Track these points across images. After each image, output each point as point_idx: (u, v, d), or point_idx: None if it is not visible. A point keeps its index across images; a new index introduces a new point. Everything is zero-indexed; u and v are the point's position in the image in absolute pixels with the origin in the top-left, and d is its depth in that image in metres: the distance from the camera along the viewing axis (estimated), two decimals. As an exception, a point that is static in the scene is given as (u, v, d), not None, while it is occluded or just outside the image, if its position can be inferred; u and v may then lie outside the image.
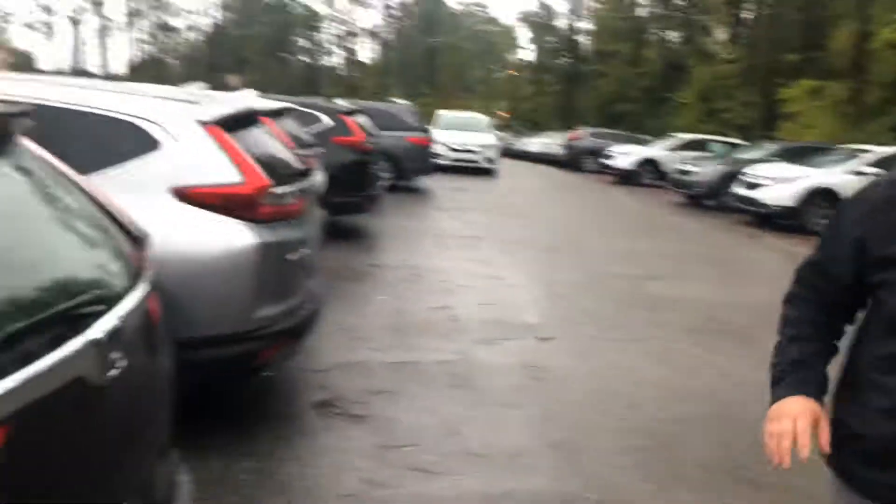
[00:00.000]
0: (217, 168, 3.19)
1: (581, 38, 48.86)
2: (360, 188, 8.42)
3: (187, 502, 1.90)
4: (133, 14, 57.84)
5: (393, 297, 6.44)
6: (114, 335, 1.32)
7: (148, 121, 3.16)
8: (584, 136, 26.82)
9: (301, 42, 60.71)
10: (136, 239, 1.78)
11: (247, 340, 3.24)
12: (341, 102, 10.37)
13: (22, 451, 1.04)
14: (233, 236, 3.18)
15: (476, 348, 5.18)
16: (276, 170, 3.57)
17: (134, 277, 1.59)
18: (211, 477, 3.06)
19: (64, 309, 1.24)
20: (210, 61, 54.98)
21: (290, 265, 3.46)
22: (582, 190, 20.22)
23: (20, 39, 59.25)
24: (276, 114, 5.13)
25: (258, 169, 3.29)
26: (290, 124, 5.93)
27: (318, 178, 5.15)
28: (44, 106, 3.06)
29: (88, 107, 3.14)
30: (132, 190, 3.00)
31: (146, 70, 55.03)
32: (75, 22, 54.38)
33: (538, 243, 10.06)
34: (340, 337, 5.10)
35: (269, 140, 3.94)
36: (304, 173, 4.03)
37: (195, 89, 3.77)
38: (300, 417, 3.83)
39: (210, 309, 3.13)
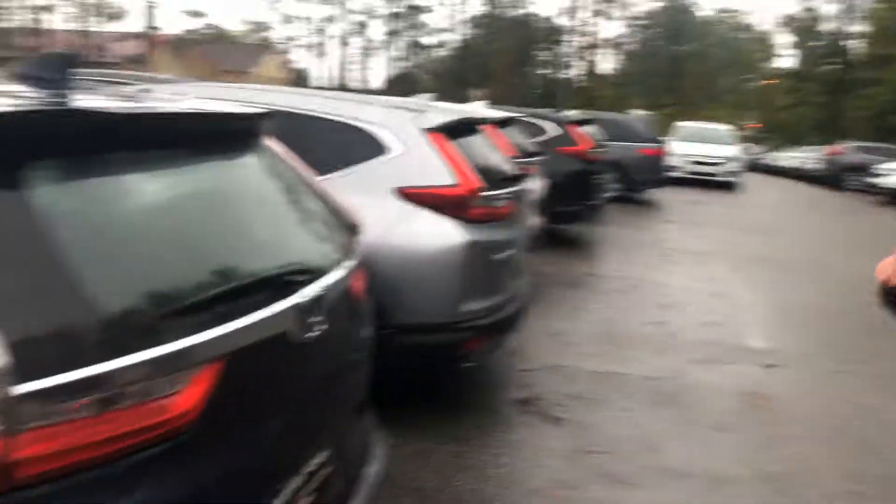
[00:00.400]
0: (435, 171, 3.47)
1: (852, 42, 43.80)
2: (583, 197, 8.44)
3: (381, 465, 2.13)
4: (391, 34, 63.15)
5: (607, 306, 6.38)
6: (315, 302, 1.56)
7: (378, 127, 3.54)
8: (846, 150, 23.99)
9: (542, 56, 61.76)
10: (349, 226, 2.05)
11: (451, 331, 3.48)
12: (571, 113, 10.46)
13: (230, 386, 1.29)
14: (445, 234, 3.43)
15: (690, 368, 4.96)
16: (490, 174, 3.77)
17: (341, 257, 1.85)
18: (413, 454, 3.34)
19: (275, 275, 1.51)
20: (457, 76, 58.16)
21: (496, 264, 3.64)
22: (838, 210, 18.13)
23: (298, 59, 67.72)
24: (500, 123, 5.37)
25: (471, 173, 3.52)
26: (514, 133, 6.15)
27: (534, 185, 5.29)
28: (290, 113, 3.58)
29: (327, 114, 3.60)
30: (361, 189, 3.39)
31: (399, 85, 59.66)
32: (344, 43, 60.80)
33: (776, 262, 9.27)
34: (549, 340, 5.19)
35: (486, 147, 4.17)
36: (518, 179, 4.19)
37: (423, 100, 4.14)
38: (500, 411, 3.99)
39: (420, 299, 3.41)
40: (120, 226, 1.31)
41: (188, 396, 1.21)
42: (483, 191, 3.53)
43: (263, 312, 1.40)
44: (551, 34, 60.22)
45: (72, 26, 53.08)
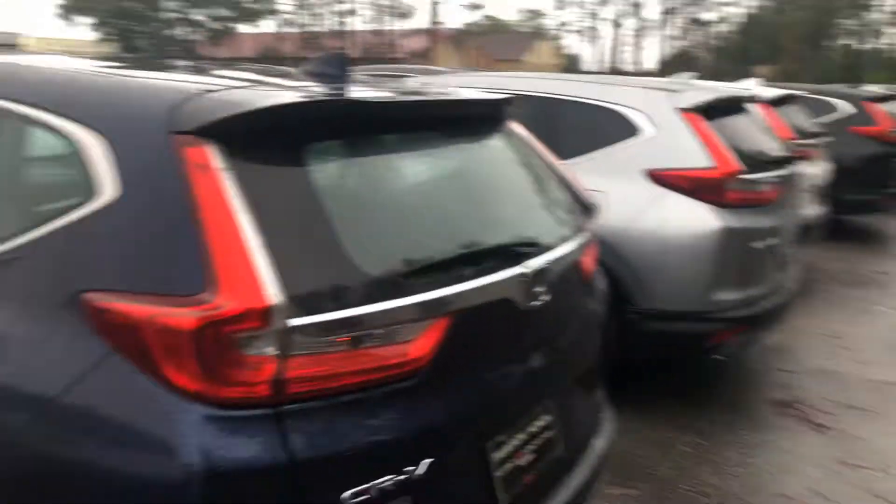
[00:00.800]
0: (689, 153, 3.35)
1: None
2: (879, 184, 7.38)
3: (608, 441, 2.17)
4: (667, 12, 60.27)
5: (897, 310, 5.58)
6: (540, 273, 1.66)
7: (630, 108, 3.50)
8: None
9: (846, 24, 54.46)
10: (584, 206, 2.11)
11: (699, 321, 3.34)
12: (872, 88, 9.14)
13: (456, 341, 1.45)
14: (698, 218, 3.30)
15: None
16: (754, 157, 3.53)
17: (572, 235, 1.92)
18: (652, 442, 3.30)
19: (506, 245, 1.64)
20: (741, 52, 53.82)
21: (755, 253, 3.41)
22: None
23: (570, 45, 67.86)
24: (773, 102, 4.94)
25: (730, 155, 3.33)
26: (792, 113, 5.61)
27: (814, 169, 4.79)
28: (544, 98, 3.69)
29: (579, 97, 3.63)
30: (611, 171, 3.41)
31: (675, 65, 56.85)
32: (616, 25, 59.50)
33: None
34: (821, 342, 4.71)
35: (751, 127, 3.89)
36: (789, 162, 3.85)
37: (683, 78, 3.96)
38: (753, 409, 3.74)
39: (668, 285, 3.33)
40: (379, 195, 1.54)
41: (421, 345, 1.39)
42: (742, 174, 3.32)
43: (491, 278, 1.53)
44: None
45: (367, 27, 59.05)
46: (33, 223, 1.47)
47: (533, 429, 1.77)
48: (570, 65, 61.01)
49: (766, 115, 4.50)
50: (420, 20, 59.74)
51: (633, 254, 3.35)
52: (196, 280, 1.23)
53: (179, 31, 67.93)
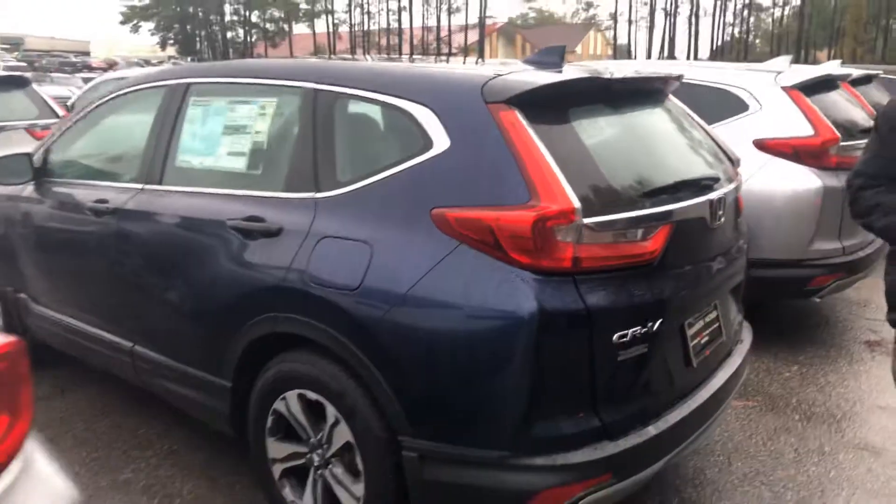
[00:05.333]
0: (793, 123, 3.94)
1: None
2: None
3: (749, 341, 2.80)
4: (722, -2, 59.47)
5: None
6: (719, 201, 2.32)
7: (741, 89, 4.11)
8: None
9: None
10: (731, 159, 2.76)
11: (800, 267, 3.94)
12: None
13: (674, 243, 2.12)
14: (800, 180, 3.89)
15: None
16: (846, 127, 4.09)
17: (729, 180, 2.57)
18: (758, 369, 3.92)
19: (696, 179, 2.31)
20: (799, 36, 52.87)
21: (850, 209, 3.98)
22: None
23: (621, 34, 67.55)
24: (858, 81, 5.44)
25: (828, 124, 3.91)
26: (874, 92, 6.08)
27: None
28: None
29: (697, 80, 4.25)
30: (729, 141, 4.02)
31: (729, 52, 56.07)
32: (668, 13, 59.02)
33: None
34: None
35: (844, 102, 4.45)
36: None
37: (781, 61, 4.52)
38: (846, 347, 4.31)
39: (772, 237, 3.93)
40: (618, 141, 2.25)
41: (655, 241, 2.07)
42: (840, 142, 3.90)
43: (693, 201, 2.21)
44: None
45: (419, 24, 59.79)
46: (382, 168, 2.19)
47: (708, 318, 2.44)
48: (622, 54, 60.70)
49: (849, 92, 5.03)
50: (470, 15, 60.25)
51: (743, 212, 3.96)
52: (522, 194, 1.93)
53: (237, 34, 69.72)
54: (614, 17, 63.62)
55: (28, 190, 3.43)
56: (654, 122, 2.52)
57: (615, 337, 1.98)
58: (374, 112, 2.37)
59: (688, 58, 53.80)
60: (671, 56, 55.68)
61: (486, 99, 2.07)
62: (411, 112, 2.18)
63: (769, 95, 4.05)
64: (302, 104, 2.46)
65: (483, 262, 1.95)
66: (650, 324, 2.05)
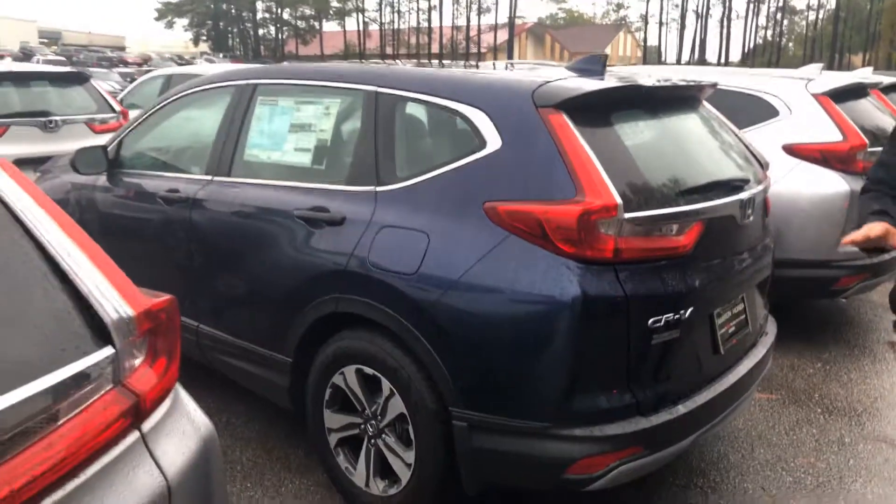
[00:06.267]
0: (822, 129, 4.10)
1: None
2: None
3: (774, 334, 2.98)
4: (755, 1, 58.93)
5: None
6: (749, 201, 2.51)
7: (773, 95, 4.27)
8: None
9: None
10: (760, 162, 2.94)
11: (827, 268, 4.08)
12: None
13: (705, 238, 2.31)
14: (828, 184, 4.04)
15: None
16: (875, 133, 4.23)
17: (758, 181, 2.75)
18: (782, 365, 4.08)
19: (727, 180, 2.50)
20: (833, 40, 52.18)
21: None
22: None
23: (652, 36, 67.08)
24: (889, 89, 5.56)
25: (857, 130, 4.06)
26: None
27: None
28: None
29: (729, 86, 4.41)
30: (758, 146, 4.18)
31: (761, 55, 55.47)
32: (699, 16, 58.59)
33: None
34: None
35: (873, 109, 4.58)
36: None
37: (812, 68, 4.65)
38: (869, 347, 4.45)
39: (799, 238, 4.08)
40: (655, 143, 2.44)
41: (688, 236, 2.27)
42: (868, 147, 4.04)
43: (724, 200, 2.41)
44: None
45: (448, 23, 59.99)
46: (438, 165, 2.42)
47: (735, 310, 2.62)
48: (653, 57, 60.32)
49: (879, 99, 5.15)
50: (500, 15, 60.30)
51: (775, 213, 4.12)
52: (569, 190, 2.14)
53: (268, 31, 70.48)
54: (645, 18, 63.23)
55: (102, 180, 3.71)
56: (688, 126, 2.72)
57: (650, 322, 2.18)
58: (432, 113, 2.59)
59: (719, 61, 53.38)
60: (702, 59, 55.26)
61: (537, 103, 2.28)
62: (466, 114, 2.40)
63: (799, 102, 4.21)
64: (365, 105, 2.69)
65: (531, 251, 2.16)
66: (682, 311, 2.24)
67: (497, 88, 2.47)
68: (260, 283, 2.89)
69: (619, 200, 2.12)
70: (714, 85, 2.84)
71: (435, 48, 58.10)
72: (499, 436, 2.24)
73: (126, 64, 43.56)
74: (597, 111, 2.32)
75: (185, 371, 3.82)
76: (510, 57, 53.97)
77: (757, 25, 61.04)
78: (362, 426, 2.63)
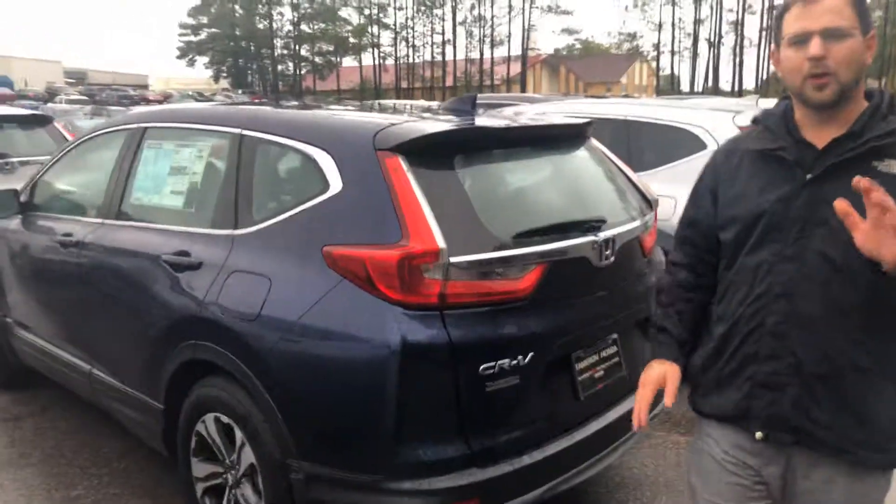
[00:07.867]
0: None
1: None
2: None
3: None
4: (768, 29, 58.80)
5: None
6: (607, 242, 2.43)
7: (699, 127, 4.20)
8: None
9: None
10: (646, 199, 2.86)
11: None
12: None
13: (549, 281, 2.23)
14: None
15: None
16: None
17: (635, 218, 2.67)
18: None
19: (581, 221, 2.42)
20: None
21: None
22: None
23: (666, 66, 67.08)
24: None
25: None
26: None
27: None
28: (626, 120, 4.44)
29: (655, 119, 4.36)
30: (679, 180, 4.11)
31: (775, 83, 55.21)
32: (711, 44, 58.57)
33: None
34: None
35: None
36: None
37: (749, 100, 4.57)
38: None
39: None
40: (499, 186, 2.38)
41: (527, 279, 2.19)
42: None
43: (571, 242, 2.33)
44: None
45: (462, 56, 60.74)
46: (288, 207, 2.38)
47: (604, 353, 2.53)
48: (668, 86, 60.37)
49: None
50: (514, 46, 60.91)
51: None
52: (395, 234, 2.08)
53: (286, 67, 71.81)
54: (657, 47, 63.44)
55: (15, 222, 3.73)
56: (549, 166, 2.65)
57: (481, 368, 2.10)
58: (287, 156, 2.56)
59: (732, 89, 53.23)
60: (715, 87, 55.16)
61: (376, 146, 2.24)
62: (314, 156, 2.37)
63: (726, 134, 4.11)
64: (230, 148, 2.67)
65: (360, 296, 2.11)
66: (520, 357, 2.16)
67: (342, 131, 2.44)
68: (134, 329, 2.86)
69: (442, 245, 2.06)
70: (578, 126, 2.79)
71: (449, 81, 58.69)
72: (335, 489, 2.17)
73: (147, 101, 44.54)
74: (438, 154, 2.27)
75: (99, 413, 3.72)
76: (523, 90, 54.36)
77: (770, 53, 60.55)
78: (224, 476, 2.57)
